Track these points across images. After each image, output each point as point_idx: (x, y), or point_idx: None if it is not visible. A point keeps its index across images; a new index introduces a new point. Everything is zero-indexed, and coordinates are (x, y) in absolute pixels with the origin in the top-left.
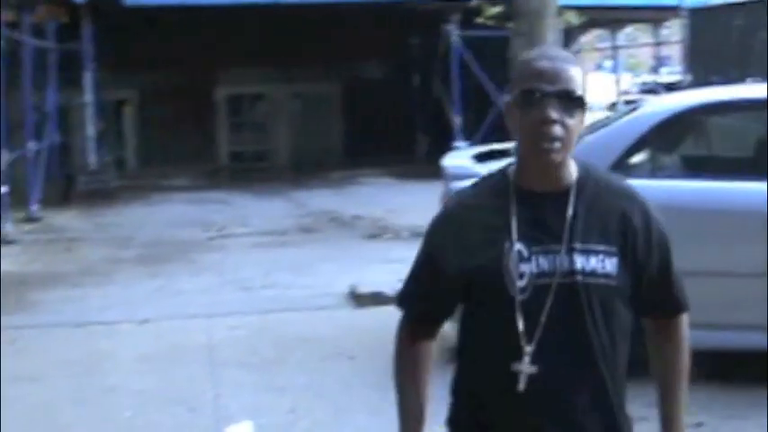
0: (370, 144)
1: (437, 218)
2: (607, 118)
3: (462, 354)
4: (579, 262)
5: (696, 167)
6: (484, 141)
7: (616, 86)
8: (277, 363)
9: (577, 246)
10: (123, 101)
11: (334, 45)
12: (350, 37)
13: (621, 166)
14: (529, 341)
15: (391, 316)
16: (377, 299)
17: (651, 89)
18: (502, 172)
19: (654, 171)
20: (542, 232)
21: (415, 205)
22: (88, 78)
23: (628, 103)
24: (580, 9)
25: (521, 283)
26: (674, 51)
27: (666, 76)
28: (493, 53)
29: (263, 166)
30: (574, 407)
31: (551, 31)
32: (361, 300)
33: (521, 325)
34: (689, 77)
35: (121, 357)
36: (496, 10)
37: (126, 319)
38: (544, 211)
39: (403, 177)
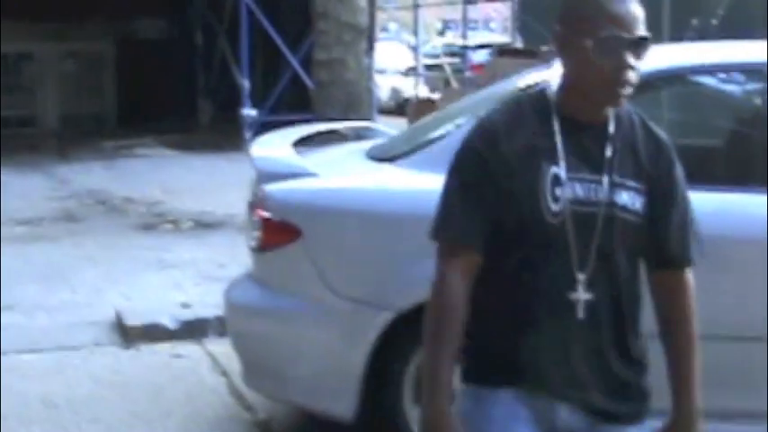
0: (148, 110)
1: (473, 139)
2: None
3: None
4: (616, 195)
5: None
6: (275, 109)
7: (413, 51)
8: None
9: (616, 179)
10: None
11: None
12: None
13: None
14: (581, 269)
15: (170, 362)
16: (151, 334)
17: (455, 52)
18: (540, 95)
19: None
20: (582, 160)
21: (198, 185)
22: None
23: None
24: None
25: (555, 208)
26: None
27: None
28: (287, 5)
29: (30, 133)
30: (613, 336)
31: None
32: (130, 334)
33: (574, 253)
34: (518, 40)
35: None
36: None
37: None
38: (585, 140)
39: (184, 148)
